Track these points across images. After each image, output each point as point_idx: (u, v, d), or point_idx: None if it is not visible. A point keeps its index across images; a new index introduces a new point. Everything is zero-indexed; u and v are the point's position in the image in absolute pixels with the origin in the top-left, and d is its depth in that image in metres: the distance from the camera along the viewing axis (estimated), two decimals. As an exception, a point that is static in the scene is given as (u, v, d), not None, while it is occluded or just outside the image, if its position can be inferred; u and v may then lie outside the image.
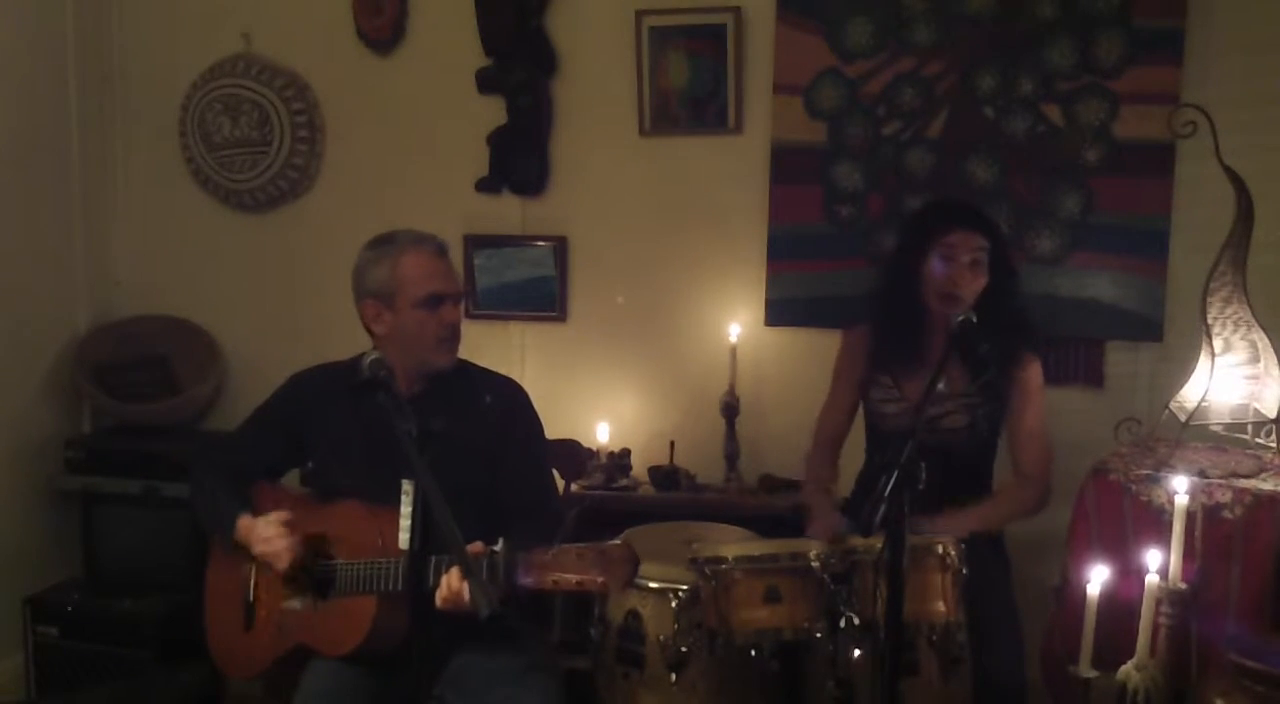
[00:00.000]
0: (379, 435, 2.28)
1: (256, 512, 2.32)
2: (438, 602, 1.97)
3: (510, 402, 2.44)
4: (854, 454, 2.83)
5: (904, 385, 2.67)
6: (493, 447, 2.32)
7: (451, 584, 1.96)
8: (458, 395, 2.34)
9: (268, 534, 2.24)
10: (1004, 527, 2.67)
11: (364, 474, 2.27)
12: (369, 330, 2.36)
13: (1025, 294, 2.72)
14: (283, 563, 2.21)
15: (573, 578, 1.83)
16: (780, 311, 3.32)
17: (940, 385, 2.55)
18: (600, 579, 1.83)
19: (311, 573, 2.22)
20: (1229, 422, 2.64)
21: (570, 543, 1.87)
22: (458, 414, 2.16)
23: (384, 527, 2.14)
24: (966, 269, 2.53)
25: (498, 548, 1.83)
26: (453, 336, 2.34)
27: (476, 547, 1.91)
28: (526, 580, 1.83)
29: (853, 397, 2.78)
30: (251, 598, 2.32)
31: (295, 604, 2.23)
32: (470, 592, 1.76)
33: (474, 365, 2.48)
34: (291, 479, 2.62)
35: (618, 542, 1.90)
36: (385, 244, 2.34)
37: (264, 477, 2.45)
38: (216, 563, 2.46)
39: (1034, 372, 2.63)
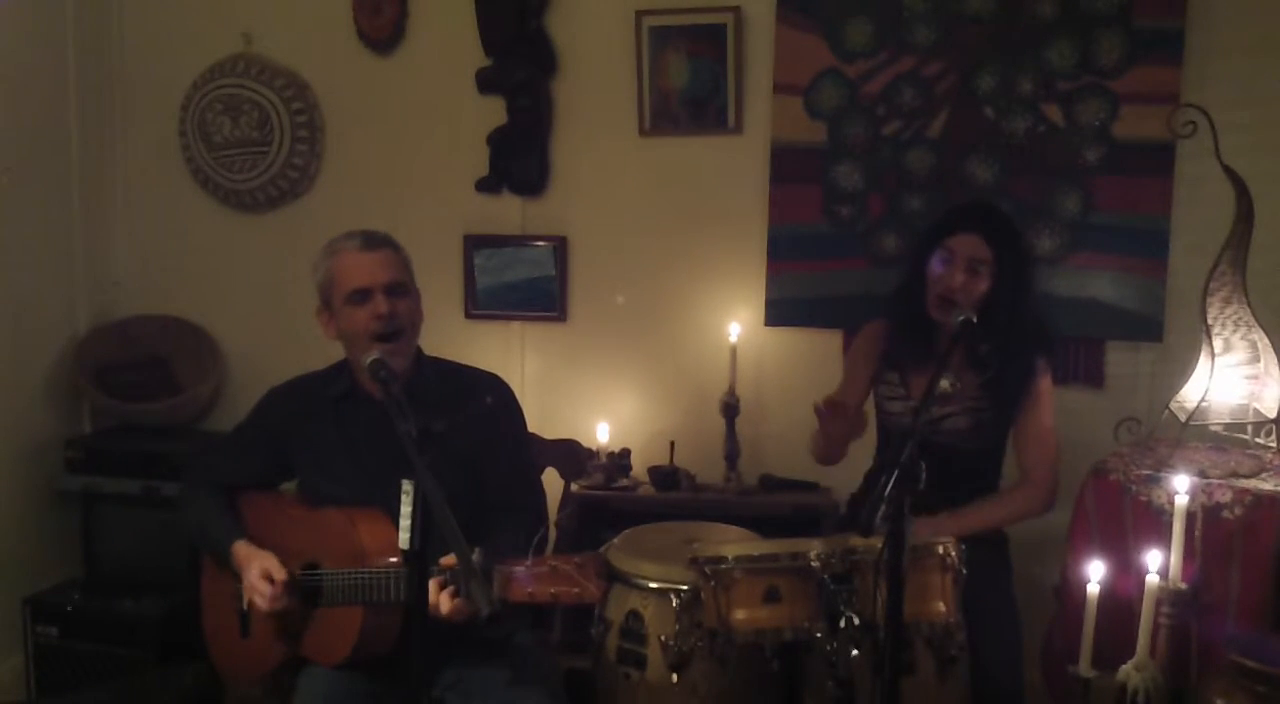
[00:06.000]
0: (364, 443, 2.29)
1: (248, 528, 2.32)
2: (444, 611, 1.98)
3: (502, 401, 2.43)
4: (864, 454, 2.81)
5: (911, 384, 2.67)
6: (482, 449, 2.29)
7: (430, 596, 1.95)
8: (444, 398, 2.29)
9: (260, 589, 2.19)
10: (1006, 527, 2.67)
11: (351, 483, 2.26)
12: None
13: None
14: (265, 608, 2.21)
15: (548, 590, 1.84)
16: (780, 311, 3.32)
17: (947, 384, 2.54)
18: (575, 590, 1.84)
19: (298, 587, 2.21)
20: (1229, 422, 2.64)
21: (561, 545, 1.88)
22: (447, 417, 2.13)
23: (364, 531, 2.15)
24: (961, 273, 2.51)
25: (475, 557, 1.79)
26: (388, 329, 2.24)
27: (450, 560, 1.94)
28: (504, 595, 1.83)
29: (862, 388, 2.76)
30: (245, 607, 2.31)
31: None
32: (471, 592, 1.76)
33: (456, 364, 2.44)
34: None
35: (592, 552, 1.92)
36: (323, 251, 2.35)
37: (253, 489, 2.43)
38: (210, 574, 2.45)
39: (1044, 379, 2.61)
